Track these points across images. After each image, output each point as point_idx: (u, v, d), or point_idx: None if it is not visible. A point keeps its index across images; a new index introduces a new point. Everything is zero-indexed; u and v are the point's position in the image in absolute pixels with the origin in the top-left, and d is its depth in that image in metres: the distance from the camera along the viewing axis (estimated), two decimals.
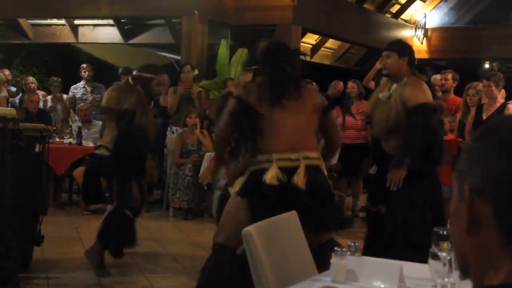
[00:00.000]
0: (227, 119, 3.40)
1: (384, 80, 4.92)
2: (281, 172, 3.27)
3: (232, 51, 9.53)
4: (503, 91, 6.57)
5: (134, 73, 4.97)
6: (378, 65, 8.10)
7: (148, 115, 4.79)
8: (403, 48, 4.27)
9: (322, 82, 8.54)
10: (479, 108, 6.23)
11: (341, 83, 8.25)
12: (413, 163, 3.99)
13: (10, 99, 8.88)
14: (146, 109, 4.74)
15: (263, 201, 3.25)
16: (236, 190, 3.42)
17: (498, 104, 6.18)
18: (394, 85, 4.17)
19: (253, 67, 3.58)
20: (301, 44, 10.47)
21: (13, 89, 9.28)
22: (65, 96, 8.98)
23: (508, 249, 0.81)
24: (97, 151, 4.84)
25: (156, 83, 4.77)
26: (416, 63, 4.36)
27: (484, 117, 6.08)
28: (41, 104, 8.46)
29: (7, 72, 9.54)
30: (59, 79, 9.02)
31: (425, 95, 4.08)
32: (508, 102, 6.37)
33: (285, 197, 3.25)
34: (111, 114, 4.69)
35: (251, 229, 2.27)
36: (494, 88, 6.16)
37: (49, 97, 9.03)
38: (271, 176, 3.25)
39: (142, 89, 4.70)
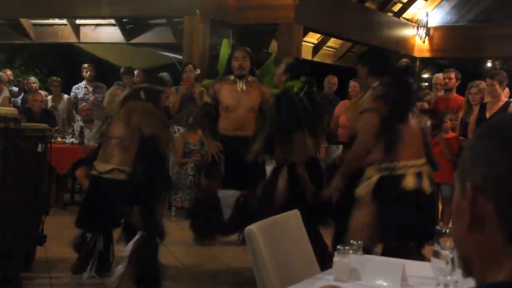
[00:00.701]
0: (371, 132, 3.61)
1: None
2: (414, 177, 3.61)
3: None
4: (506, 89, 6.56)
5: (145, 85, 4.57)
6: None
7: (166, 137, 4.42)
8: (365, 58, 4.24)
9: (324, 81, 8.55)
10: (483, 106, 6.22)
11: (336, 78, 8.36)
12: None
13: (12, 99, 8.89)
14: (165, 132, 4.43)
15: (402, 206, 3.54)
16: (365, 194, 3.62)
17: (501, 103, 6.17)
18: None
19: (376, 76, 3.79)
20: (303, 43, 10.46)
21: (15, 89, 9.29)
22: (66, 96, 8.98)
23: (510, 248, 0.81)
24: (109, 176, 4.25)
25: (165, 96, 4.67)
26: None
27: (487, 115, 6.07)
28: None
29: (9, 72, 9.55)
30: (59, 79, 9.02)
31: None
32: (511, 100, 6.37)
33: (418, 201, 3.60)
34: (133, 137, 4.20)
35: (253, 228, 2.27)
36: (497, 86, 6.16)
37: (49, 97, 9.04)
38: (410, 181, 3.57)
39: (151, 101, 4.36)
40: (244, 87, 5.46)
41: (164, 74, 7.32)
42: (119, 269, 4.19)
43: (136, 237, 4.22)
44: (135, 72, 8.80)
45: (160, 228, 4.36)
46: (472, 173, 0.84)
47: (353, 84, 7.81)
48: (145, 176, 4.12)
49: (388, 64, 4.04)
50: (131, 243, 4.21)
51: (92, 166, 4.40)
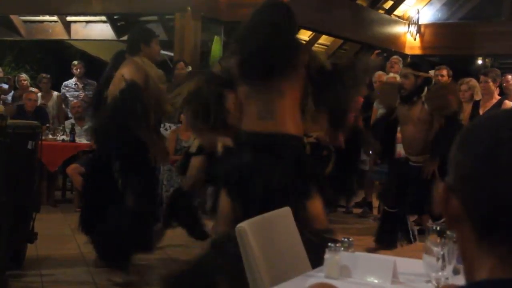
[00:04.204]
0: None
1: None
2: None
3: (226, 47, 9.51)
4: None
5: None
6: None
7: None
8: None
9: None
10: (476, 104, 6.24)
11: None
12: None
13: (2, 96, 8.84)
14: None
15: None
16: None
17: (495, 100, 6.20)
18: None
19: None
20: None
21: (5, 86, 9.22)
22: (55, 93, 8.93)
23: (484, 245, 0.82)
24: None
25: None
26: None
27: (481, 112, 6.10)
28: None
29: None
30: (48, 76, 8.97)
31: None
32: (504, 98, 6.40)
33: None
34: None
35: (244, 225, 2.27)
36: (491, 84, 6.19)
37: (39, 94, 9.00)
38: None
39: None
40: None
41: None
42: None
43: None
44: None
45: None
46: (448, 173, 0.88)
47: None
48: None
49: None
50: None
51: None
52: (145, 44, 4.58)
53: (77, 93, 8.92)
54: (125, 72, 4.34)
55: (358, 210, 7.79)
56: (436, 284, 1.82)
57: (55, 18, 11.11)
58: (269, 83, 3.05)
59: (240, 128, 3.11)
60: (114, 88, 4.32)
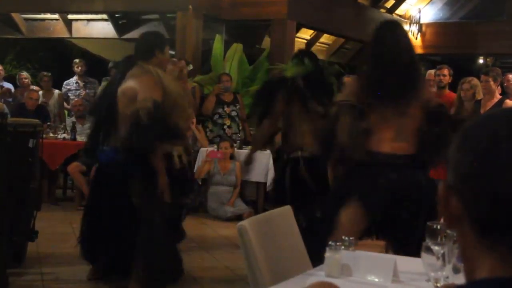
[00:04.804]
0: None
1: None
2: None
3: (227, 46, 9.51)
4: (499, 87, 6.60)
5: None
6: None
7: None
8: None
9: None
10: (478, 103, 6.24)
11: None
12: None
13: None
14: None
15: None
16: None
17: (496, 99, 6.20)
18: None
19: None
20: (296, 39, 10.46)
21: (6, 85, 9.22)
22: (56, 91, 8.93)
23: (483, 244, 0.82)
24: None
25: None
26: None
27: (482, 112, 6.10)
28: None
29: (0, 67, 9.50)
30: (49, 74, 8.97)
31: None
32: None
33: None
34: None
35: (245, 224, 2.27)
36: (492, 83, 6.19)
37: (40, 92, 9.00)
38: None
39: None
40: None
41: None
42: None
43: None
44: None
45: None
46: (447, 173, 0.88)
47: (346, 79, 7.81)
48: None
49: None
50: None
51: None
52: (160, 51, 4.17)
53: (78, 91, 8.92)
54: (142, 86, 3.93)
55: None
56: (436, 283, 1.82)
57: (56, 16, 11.12)
58: (404, 107, 3.25)
59: (370, 149, 3.24)
60: (128, 102, 3.91)
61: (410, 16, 13.17)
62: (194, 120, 7.33)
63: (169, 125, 3.98)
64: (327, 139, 3.32)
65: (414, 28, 13.05)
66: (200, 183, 7.11)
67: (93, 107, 4.28)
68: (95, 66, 10.83)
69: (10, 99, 8.73)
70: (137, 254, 3.94)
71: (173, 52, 10.08)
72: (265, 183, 7.34)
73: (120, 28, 10.94)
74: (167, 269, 4.09)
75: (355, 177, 3.29)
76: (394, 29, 3.35)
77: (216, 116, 7.76)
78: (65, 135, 7.62)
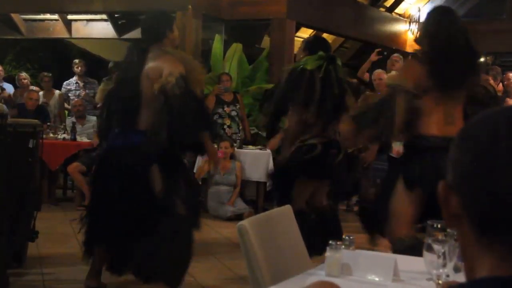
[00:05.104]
0: None
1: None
2: None
3: (226, 46, 9.51)
4: (500, 85, 6.60)
5: None
6: (373, 58, 8.13)
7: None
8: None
9: None
10: None
11: None
12: None
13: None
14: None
15: None
16: None
17: None
18: None
19: None
20: (296, 38, 10.45)
21: (6, 86, 9.22)
22: (57, 91, 8.93)
23: (483, 243, 0.82)
24: None
25: None
26: None
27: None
28: None
29: None
30: (50, 74, 8.97)
31: None
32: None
33: None
34: None
35: (245, 223, 2.27)
36: (492, 82, 6.19)
37: (40, 93, 9.00)
38: None
39: None
40: None
41: None
42: None
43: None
44: None
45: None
46: (448, 172, 0.88)
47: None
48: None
49: None
50: None
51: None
52: (170, 30, 4.04)
53: (78, 91, 8.92)
54: (165, 64, 3.82)
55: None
56: (437, 280, 1.81)
57: (56, 16, 11.11)
58: (457, 91, 3.31)
59: (419, 132, 3.27)
60: (154, 82, 3.78)
61: (409, 15, 13.16)
62: None
63: (198, 98, 3.91)
64: (373, 117, 3.33)
65: (414, 27, 13.04)
66: (200, 183, 7.11)
67: (109, 94, 4.15)
68: (95, 66, 10.83)
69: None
70: (156, 249, 3.78)
71: None
72: (265, 183, 7.34)
73: (120, 28, 10.93)
74: (188, 260, 3.95)
75: (412, 162, 3.29)
76: (447, 14, 3.47)
77: (216, 116, 7.76)
78: (65, 135, 7.63)
